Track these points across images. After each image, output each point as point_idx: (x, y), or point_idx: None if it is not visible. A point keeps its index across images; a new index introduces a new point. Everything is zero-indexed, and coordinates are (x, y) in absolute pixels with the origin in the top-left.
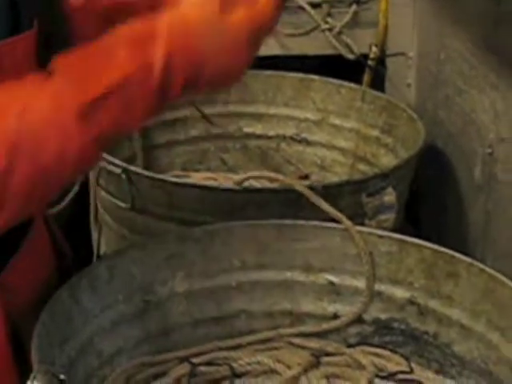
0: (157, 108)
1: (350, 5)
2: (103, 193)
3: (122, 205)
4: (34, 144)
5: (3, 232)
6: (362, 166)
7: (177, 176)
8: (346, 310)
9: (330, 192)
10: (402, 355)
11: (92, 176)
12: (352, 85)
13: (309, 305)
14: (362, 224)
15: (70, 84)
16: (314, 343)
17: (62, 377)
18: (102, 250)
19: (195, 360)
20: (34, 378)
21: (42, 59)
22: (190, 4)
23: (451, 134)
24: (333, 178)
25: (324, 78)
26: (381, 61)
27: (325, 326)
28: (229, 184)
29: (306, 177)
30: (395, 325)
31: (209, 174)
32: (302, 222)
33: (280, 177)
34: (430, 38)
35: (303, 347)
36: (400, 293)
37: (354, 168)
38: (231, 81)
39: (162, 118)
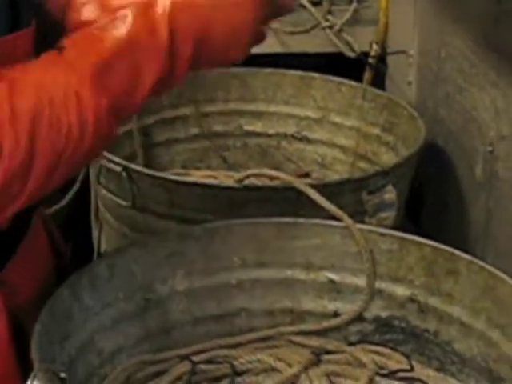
0: (167, 74)
1: (351, 2)
2: (104, 191)
3: (123, 203)
4: (55, 116)
5: (4, 227)
6: (362, 164)
7: (177, 174)
8: (347, 307)
9: (330, 190)
10: (402, 353)
11: (92, 174)
12: (352, 83)
13: (309, 303)
14: (363, 222)
15: (79, 53)
16: (314, 341)
17: (62, 375)
18: (103, 248)
19: (196, 358)
20: (35, 376)
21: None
22: None
23: (452, 131)
24: (333, 176)
25: (324, 75)
26: (381, 59)
27: (325, 324)
28: (229, 182)
29: (306, 175)
30: (396, 323)
31: (209, 172)
32: (302, 219)
33: (280, 175)
34: (431, 36)
35: (303, 345)
36: (400, 290)
37: (354, 166)
38: (238, 49)
39: (162, 116)
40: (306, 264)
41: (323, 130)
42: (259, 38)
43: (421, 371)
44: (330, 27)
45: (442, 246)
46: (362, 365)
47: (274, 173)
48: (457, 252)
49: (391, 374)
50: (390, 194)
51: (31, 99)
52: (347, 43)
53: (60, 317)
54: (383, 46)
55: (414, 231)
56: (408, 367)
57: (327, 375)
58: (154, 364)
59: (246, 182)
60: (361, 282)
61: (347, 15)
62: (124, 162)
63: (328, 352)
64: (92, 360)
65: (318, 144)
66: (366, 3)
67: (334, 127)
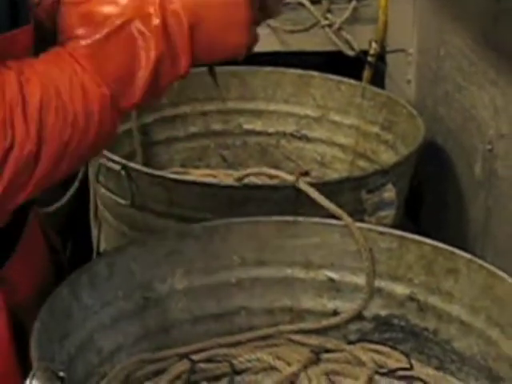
0: (166, 58)
1: (350, 1)
2: (103, 190)
3: (122, 201)
4: (61, 105)
5: (3, 225)
6: (361, 163)
7: (176, 173)
8: (346, 306)
9: (329, 188)
10: (401, 352)
11: (91, 173)
12: (352, 81)
13: (309, 301)
14: (362, 220)
15: (80, 44)
16: (313, 340)
17: (61, 374)
18: (102, 246)
19: (195, 357)
20: (34, 375)
21: (39, 53)
22: None
23: (451, 130)
24: (333, 175)
25: (324, 74)
26: (381, 57)
27: (325, 322)
28: (228, 181)
29: (305, 173)
30: (395, 321)
31: (208, 171)
32: (301, 218)
33: (280, 173)
34: (430, 35)
35: (303, 344)
36: (400, 289)
37: (353, 164)
38: (236, 31)
39: (161, 115)
40: (306, 263)
41: (322, 129)
42: (254, 38)
43: (420, 370)
44: (330, 26)
45: (442, 245)
46: (361, 363)
47: (273, 171)
48: (456, 251)
49: (391, 373)
50: (389, 193)
51: (38, 89)
52: (346, 42)
53: (59, 315)
54: (382, 44)
55: (414, 230)
56: (407, 366)
57: (326, 374)
58: (154, 363)
59: (246, 180)
60: (360, 280)
61: (346, 14)
62: (123, 161)
63: (327, 351)
64: (91, 359)
65: (317, 142)
66: (365, 2)
67: (333, 126)
